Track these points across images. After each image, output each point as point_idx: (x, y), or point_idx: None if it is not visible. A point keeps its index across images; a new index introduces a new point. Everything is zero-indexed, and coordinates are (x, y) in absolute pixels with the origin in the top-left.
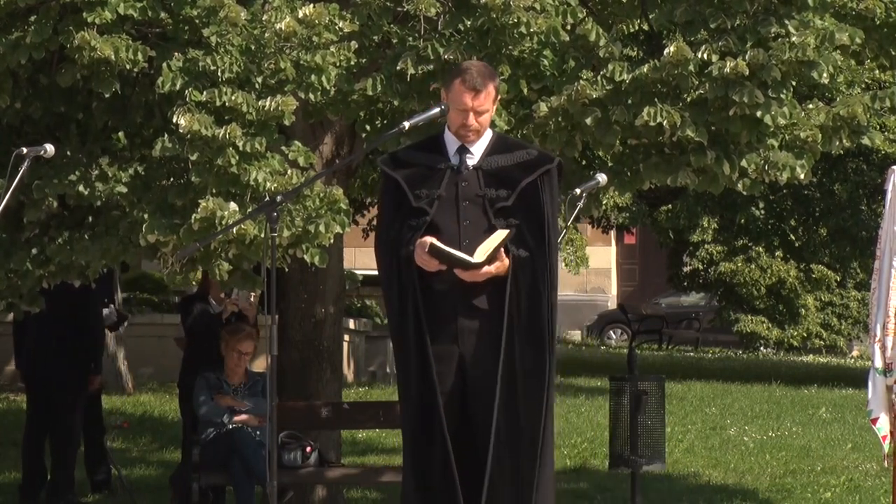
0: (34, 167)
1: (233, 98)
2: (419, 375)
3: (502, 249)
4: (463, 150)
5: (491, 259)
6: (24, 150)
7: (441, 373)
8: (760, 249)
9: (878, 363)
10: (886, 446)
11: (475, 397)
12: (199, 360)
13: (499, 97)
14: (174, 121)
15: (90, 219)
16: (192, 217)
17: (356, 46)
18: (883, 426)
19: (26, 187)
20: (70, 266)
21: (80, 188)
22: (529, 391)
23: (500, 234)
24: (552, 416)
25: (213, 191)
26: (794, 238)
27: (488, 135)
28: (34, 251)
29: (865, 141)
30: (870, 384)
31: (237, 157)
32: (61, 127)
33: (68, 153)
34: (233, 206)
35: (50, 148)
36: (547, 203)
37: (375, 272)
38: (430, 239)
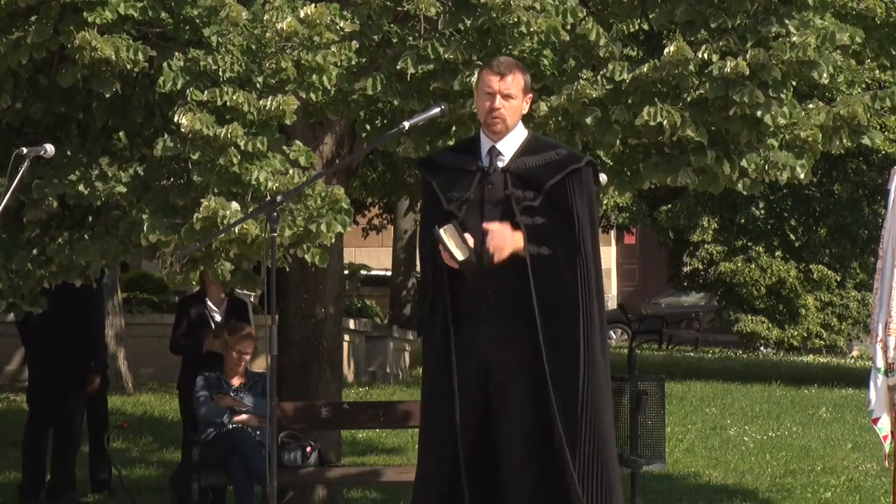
0: (34, 167)
1: (234, 97)
2: (442, 379)
3: (469, 237)
4: (494, 152)
5: (469, 250)
6: (24, 150)
7: (464, 371)
8: (760, 249)
9: (880, 363)
10: (887, 446)
11: (496, 399)
12: (198, 361)
13: (530, 97)
14: (175, 120)
15: (90, 219)
16: (194, 217)
17: (357, 46)
18: (884, 426)
19: (26, 187)
20: (71, 266)
21: (80, 188)
22: (562, 392)
23: (448, 230)
24: (606, 418)
25: (215, 190)
26: (794, 238)
27: (522, 135)
28: (35, 251)
29: (866, 141)
30: (871, 384)
31: (239, 157)
32: (61, 127)
33: (68, 153)
34: (234, 205)
35: (50, 148)
36: (576, 201)
37: (375, 272)
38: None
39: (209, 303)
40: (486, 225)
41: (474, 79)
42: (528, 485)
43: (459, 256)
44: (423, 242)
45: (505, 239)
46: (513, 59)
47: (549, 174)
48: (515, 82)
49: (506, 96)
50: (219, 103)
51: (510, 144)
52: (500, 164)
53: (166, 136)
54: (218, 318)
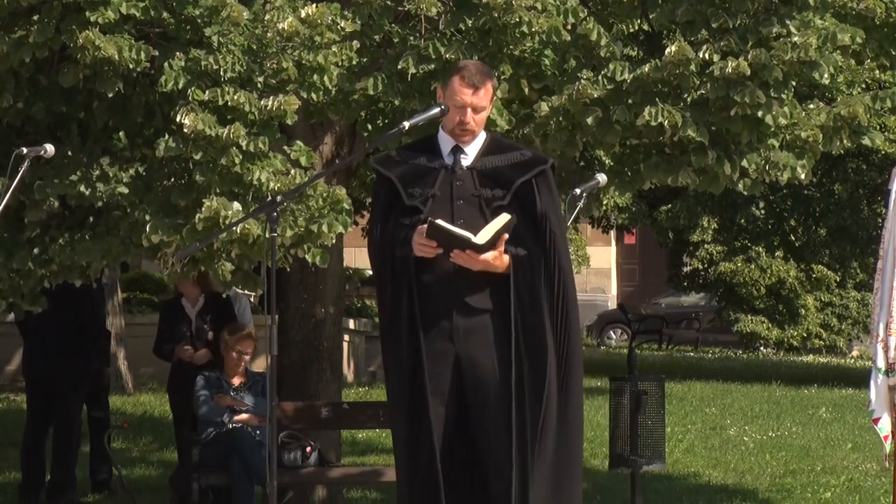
0: (35, 167)
1: (235, 97)
2: (411, 375)
3: (504, 239)
4: (457, 150)
5: (492, 244)
6: (24, 150)
7: (437, 372)
8: (760, 249)
9: (881, 363)
10: (888, 446)
11: (471, 396)
12: (185, 364)
13: (495, 97)
14: (178, 120)
15: (91, 219)
16: (196, 217)
17: (358, 46)
18: (885, 426)
19: (27, 187)
20: (72, 266)
21: (81, 188)
22: (530, 392)
23: (503, 218)
24: (558, 414)
25: (217, 190)
26: (794, 238)
27: (482, 136)
28: (36, 251)
29: (866, 141)
30: (872, 384)
31: (241, 157)
32: (62, 127)
33: (69, 153)
34: (236, 206)
35: (50, 148)
36: (542, 203)
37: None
38: (428, 220)
39: (185, 303)
40: (499, 249)
41: None
42: (509, 483)
43: (480, 240)
44: (382, 239)
45: (491, 266)
46: (482, 65)
47: (517, 174)
48: (486, 94)
49: (477, 109)
50: (220, 103)
51: (473, 144)
52: (465, 163)
53: (169, 136)
54: (192, 317)
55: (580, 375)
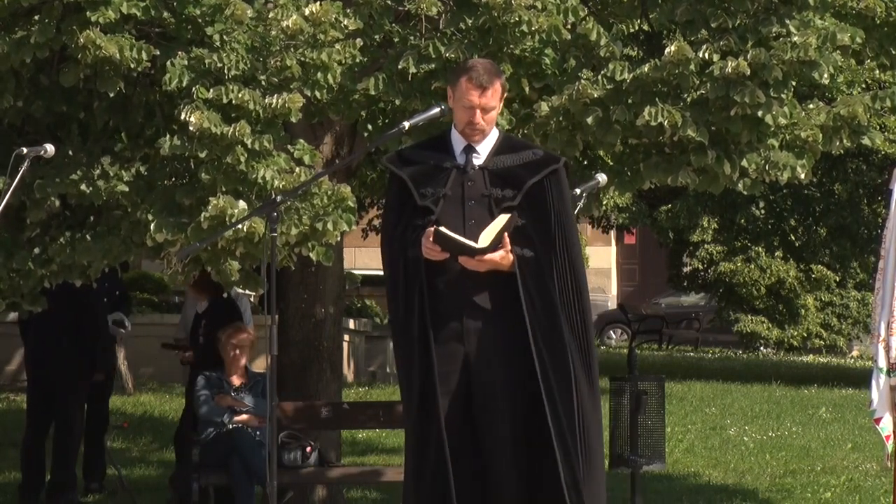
0: (36, 167)
1: (239, 95)
2: (422, 375)
3: (507, 238)
4: (469, 150)
5: (495, 244)
6: (25, 150)
7: (447, 373)
8: (760, 249)
9: (882, 363)
10: (890, 446)
11: (479, 397)
12: (207, 367)
13: (505, 95)
14: (183, 118)
15: (92, 218)
16: (202, 216)
17: (361, 44)
18: (886, 426)
19: (28, 187)
20: (72, 266)
21: (83, 187)
22: (558, 393)
23: (502, 219)
24: (594, 414)
25: (222, 189)
26: (794, 238)
27: (495, 134)
28: (36, 251)
29: (866, 141)
30: (873, 384)
31: (246, 155)
32: (62, 126)
33: (70, 153)
34: (242, 204)
35: (50, 148)
36: (554, 203)
37: (375, 272)
38: (433, 227)
39: (198, 307)
40: (505, 247)
41: None
42: (515, 489)
43: (481, 244)
44: (390, 240)
45: (499, 266)
46: (490, 64)
47: (529, 174)
48: (495, 94)
49: (486, 110)
50: (224, 101)
51: (485, 143)
52: (477, 162)
53: (173, 135)
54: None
55: (597, 372)
